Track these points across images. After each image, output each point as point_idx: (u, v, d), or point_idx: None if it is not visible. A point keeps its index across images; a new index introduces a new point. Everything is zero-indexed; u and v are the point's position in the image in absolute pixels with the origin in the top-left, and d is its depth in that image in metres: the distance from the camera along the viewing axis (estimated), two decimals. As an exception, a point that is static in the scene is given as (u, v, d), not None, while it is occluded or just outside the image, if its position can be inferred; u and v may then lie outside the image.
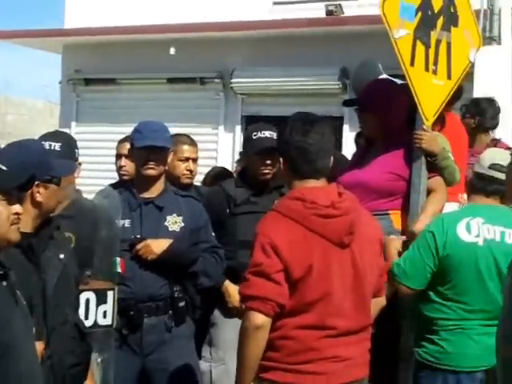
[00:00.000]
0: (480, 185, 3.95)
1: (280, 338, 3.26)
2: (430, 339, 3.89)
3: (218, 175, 5.98)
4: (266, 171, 4.79)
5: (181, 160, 5.16)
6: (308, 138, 3.33)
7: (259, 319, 3.19)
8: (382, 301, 3.61)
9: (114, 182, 5.34)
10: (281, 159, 3.42)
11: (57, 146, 3.88)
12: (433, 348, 3.88)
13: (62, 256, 3.23)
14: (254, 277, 3.21)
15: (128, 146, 4.71)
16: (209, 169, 6.48)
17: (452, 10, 4.41)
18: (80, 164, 4.08)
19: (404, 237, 4.21)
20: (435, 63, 4.30)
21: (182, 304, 4.37)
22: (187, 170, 5.19)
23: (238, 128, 11.25)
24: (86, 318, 3.84)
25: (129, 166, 5.18)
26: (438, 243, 3.82)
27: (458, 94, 5.33)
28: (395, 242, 4.13)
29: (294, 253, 3.21)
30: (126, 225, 4.30)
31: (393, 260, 4.02)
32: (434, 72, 4.30)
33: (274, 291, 3.19)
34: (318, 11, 10.33)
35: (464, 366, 3.78)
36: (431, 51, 4.27)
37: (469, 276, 3.83)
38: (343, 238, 3.29)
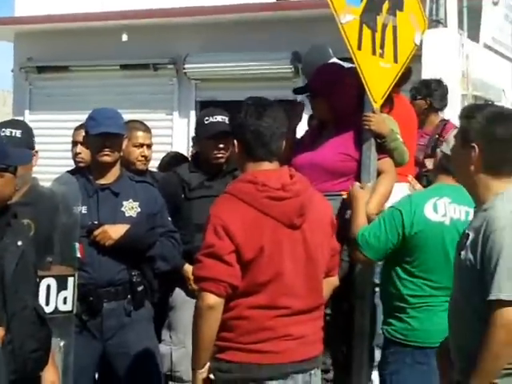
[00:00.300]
0: (448, 165, 4.02)
1: (234, 318, 3.33)
2: (398, 317, 3.99)
3: (172, 160, 6.03)
4: (220, 155, 4.86)
5: (135, 146, 5.21)
6: (262, 122, 3.40)
7: (211, 299, 3.26)
8: (334, 280, 3.69)
9: (68, 169, 5.37)
10: (235, 142, 3.48)
11: (18, 133, 3.94)
12: (401, 325, 3.98)
13: (19, 243, 3.24)
14: (206, 258, 3.29)
15: (83, 133, 4.74)
16: (164, 154, 6.54)
17: (397, -5, 4.51)
18: (37, 152, 4.13)
19: (370, 184, 4.31)
20: (382, 47, 4.38)
21: (140, 288, 4.41)
22: (142, 156, 5.24)
23: (193, 113, 11.27)
24: (47, 304, 3.86)
25: (84, 153, 5.21)
26: (405, 222, 3.90)
27: (406, 76, 5.45)
28: (361, 194, 4.22)
29: (245, 234, 3.28)
30: (83, 211, 4.31)
31: (359, 213, 4.13)
32: (381, 55, 4.39)
33: (226, 272, 3.26)
34: (269, -5, 10.41)
35: (430, 342, 3.86)
36: (378, 35, 4.35)
37: (436, 254, 3.91)
38: (294, 220, 3.36)
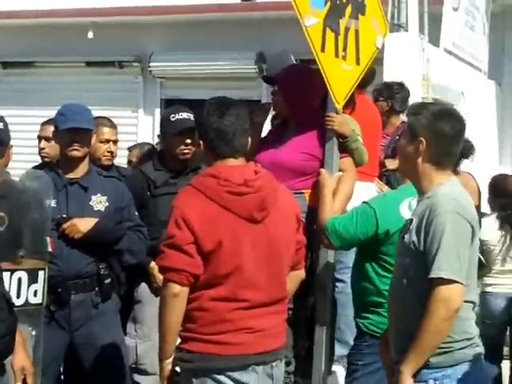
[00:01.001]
0: None
1: (196, 309, 3.42)
2: (375, 311, 4.05)
3: (147, 154, 6.12)
4: (186, 151, 4.96)
5: (102, 142, 5.28)
6: (224, 120, 3.49)
7: (176, 288, 3.36)
8: (301, 273, 3.77)
9: (34, 164, 5.43)
10: (201, 142, 3.57)
11: (1, 125, 4.01)
12: (378, 319, 4.03)
13: None
14: (168, 249, 3.39)
15: (49, 128, 4.80)
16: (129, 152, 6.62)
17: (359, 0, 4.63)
18: (11, 146, 4.20)
19: (341, 173, 4.43)
20: (344, 49, 4.49)
21: (107, 281, 4.50)
22: (108, 152, 5.33)
23: (158, 111, 11.35)
24: (18, 296, 3.93)
25: (49, 148, 5.28)
26: (379, 220, 3.96)
27: (370, 78, 5.58)
28: (329, 182, 4.32)
29: (204, 227, 3.36)
30: (53, 204, 4.35)
31: (326, 200, 4.24)
32: (344, 58, 4.49)
33: (186, 262, 3.35)
34: (234, -4, 10.51)
35: None
36: (340, 38, 4.46)
37: None
38: (254, 214, 3.44)
